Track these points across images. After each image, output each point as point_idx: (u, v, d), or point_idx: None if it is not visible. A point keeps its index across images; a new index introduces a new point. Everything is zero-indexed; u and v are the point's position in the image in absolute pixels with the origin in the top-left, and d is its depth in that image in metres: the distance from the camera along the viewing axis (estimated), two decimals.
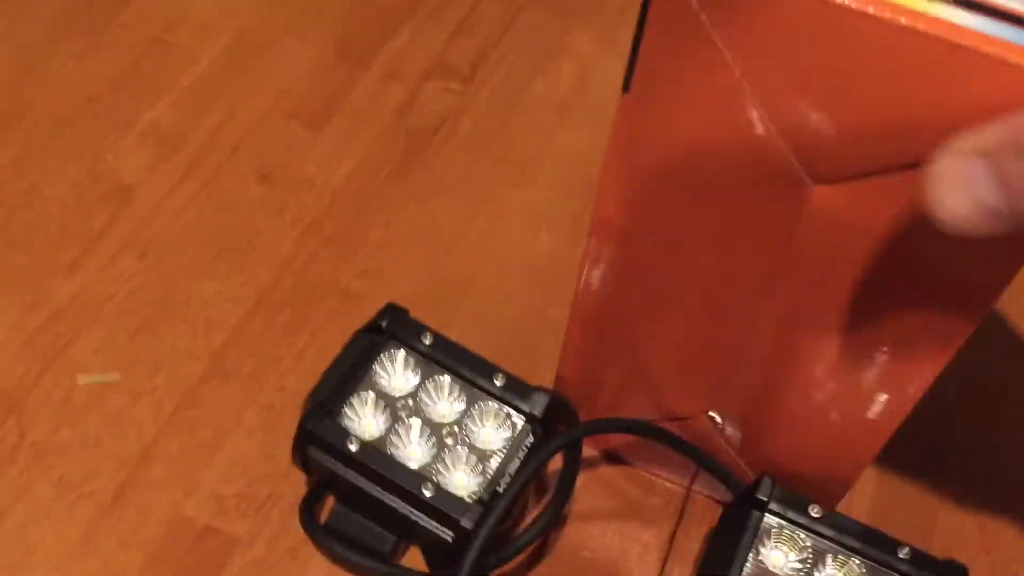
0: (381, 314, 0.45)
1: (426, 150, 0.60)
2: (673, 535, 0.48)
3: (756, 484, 0.43)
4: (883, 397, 0.39)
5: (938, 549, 0.47)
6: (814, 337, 0.39)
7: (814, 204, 0.34)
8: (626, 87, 0.34)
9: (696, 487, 0.48)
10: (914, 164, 0.30)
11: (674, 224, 0.38)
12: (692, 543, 0.47)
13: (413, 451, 0.43)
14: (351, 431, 0.42)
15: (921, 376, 0.38)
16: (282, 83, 0.62)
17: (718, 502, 0.48)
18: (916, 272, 0.35)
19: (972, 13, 0.29)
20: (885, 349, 0.38)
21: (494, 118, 0.62)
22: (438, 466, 0.43)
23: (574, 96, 0.65)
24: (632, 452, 0.49)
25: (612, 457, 0.50)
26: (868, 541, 0.42)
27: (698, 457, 0.45)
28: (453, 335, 0.46)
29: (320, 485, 0.44)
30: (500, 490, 0.41)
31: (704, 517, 0.48)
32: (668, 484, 0.49)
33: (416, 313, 0.46)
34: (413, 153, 0.60)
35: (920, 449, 0.51)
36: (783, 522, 0.43)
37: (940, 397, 0.52)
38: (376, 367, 0.44)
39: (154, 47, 0.62)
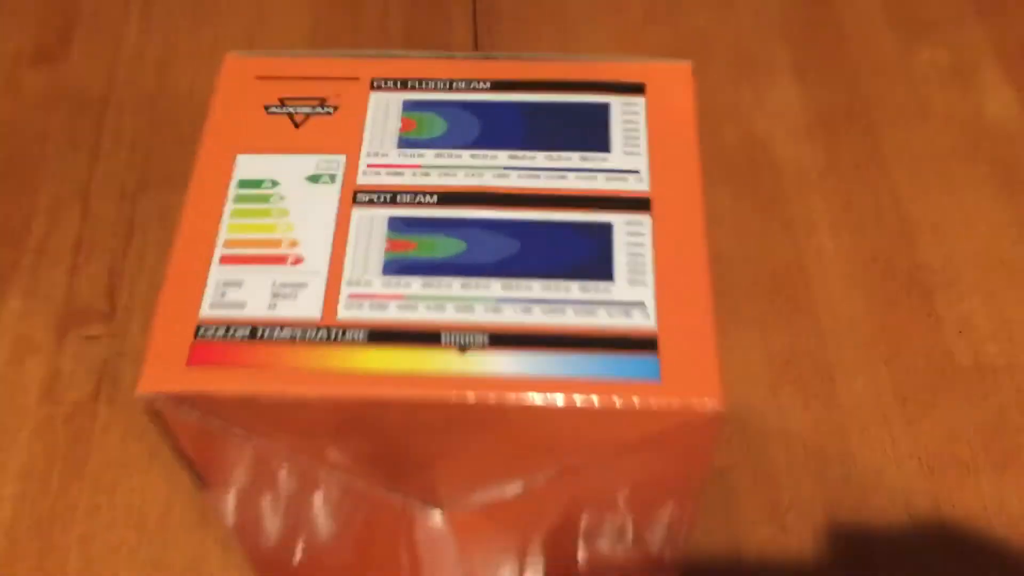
0: None
1: (94, 423, 0.53)
2: None
3: None
4: None
5: None
6: None
7: (453, 523, 0.30)
8: (199, 485, 0.29)
9: None
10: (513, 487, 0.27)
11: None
12: None
13: None
14: None
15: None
16: None
17: None
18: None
19: (505, 350, 0.25)
20: None
21: None
22: None
23: None
24: None
25: None
26: None
27: None
28: None
29: None
30: None
31: None
32: None
33: None
34: (80, 436, 0.52)
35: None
36: None
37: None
38: None
39: None
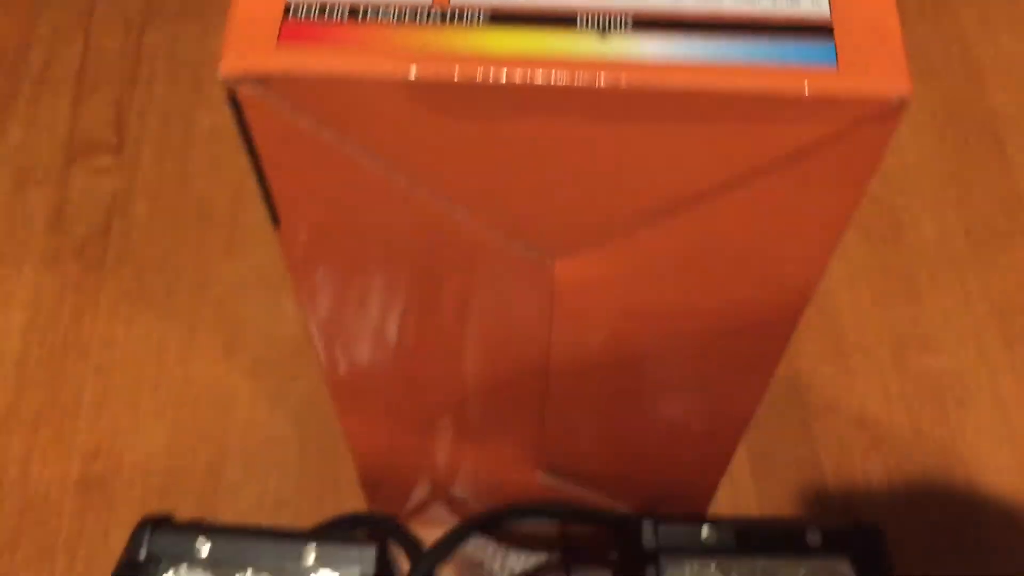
0: (135, 539, 0.35)
1: (106, 256, 0.48)
2: None
3: (636, 535, 0.37)
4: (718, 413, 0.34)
5: (828, 468, 0.43)
6: (625, 388, 0.32)
7: (561, 278, 0.26)
8: (275, 222, 0.25)
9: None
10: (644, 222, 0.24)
11: (404, 320, 0.29)
12: None
13: None
14: None
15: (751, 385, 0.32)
16: None
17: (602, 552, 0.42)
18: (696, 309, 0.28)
19: (652, 32, 0.21)
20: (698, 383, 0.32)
21: (170, 179, 0.51)
22: None
23: None
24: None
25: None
26: (772, 539, 0.37)
27: (579, 516, 0.38)
28: (232, 492, 0.37)
29: None
30: None
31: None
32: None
33: (177, 482, 0.37)
34: (92, 269, 0.48)
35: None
36: (680, 558, 0.37)
37: None
38: None
39: None
